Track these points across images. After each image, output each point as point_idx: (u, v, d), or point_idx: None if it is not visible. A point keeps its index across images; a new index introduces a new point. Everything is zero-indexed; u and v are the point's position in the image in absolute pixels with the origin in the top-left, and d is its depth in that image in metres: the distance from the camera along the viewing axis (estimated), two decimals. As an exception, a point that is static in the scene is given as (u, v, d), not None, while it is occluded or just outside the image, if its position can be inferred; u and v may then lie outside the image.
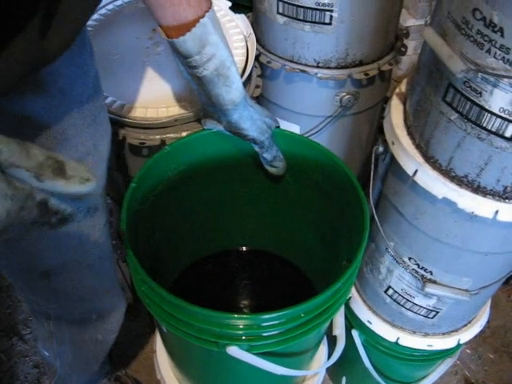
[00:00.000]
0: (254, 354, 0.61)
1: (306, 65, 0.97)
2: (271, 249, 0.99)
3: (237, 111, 0.72)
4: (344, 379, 1.21)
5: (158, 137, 0.81)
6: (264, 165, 0.81)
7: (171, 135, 0.81)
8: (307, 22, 0.90)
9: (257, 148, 0.78)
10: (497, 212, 0.65)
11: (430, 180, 0.68)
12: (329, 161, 0.75)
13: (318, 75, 0.96)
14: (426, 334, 0.97)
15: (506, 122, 0.57)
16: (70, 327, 0.96)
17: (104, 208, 0.78)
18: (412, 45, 1.60)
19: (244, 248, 1.00)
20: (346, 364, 1.14)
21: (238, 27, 0.97)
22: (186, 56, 0.66)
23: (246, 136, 0.75)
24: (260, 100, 1.04)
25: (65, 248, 0.76)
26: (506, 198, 0.64)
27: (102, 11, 1.00)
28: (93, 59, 0.68)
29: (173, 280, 0.94)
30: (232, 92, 0.70)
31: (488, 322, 1.03)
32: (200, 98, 0.75)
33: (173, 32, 0.65)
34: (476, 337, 1.02)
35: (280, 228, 0.93)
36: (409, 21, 1.60)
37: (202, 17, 0.64)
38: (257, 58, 0.99)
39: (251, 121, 0.74)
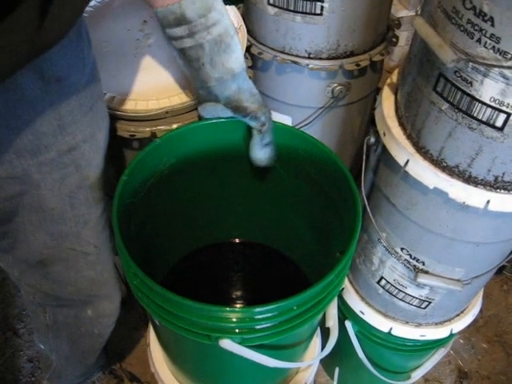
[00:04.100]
0: (246, 346, 0.61)
1: (297, 56, 0.96)
2: (264, 241, 0.99)
3: (235, 82, 0.71)
4: (337, 370, 1.21)
5: (148, 129, 0.80)
6: (253, 154, 0.78)
7: (162, 127, 0.81)
8: (298, 12, 0.89)
9: (256, 125, 0.74)
10: (488, 202, 0.65)
11: (422, 170, 0.68)
12: (321, 152, 0.75)
13: (310, 66, 0.96)
14: (419, 324, 0.97)
15: (497, 112, 0.57)
16: (67, 321, 0.96)
17: (101, 197, 0.78)
18: (404, 36, 1.60)
19: (237, 240, 1.00)
20: (340, 355, 1.14)
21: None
22: (191, 20, 0.65)
23: (246, 109, 0.73)
24: (252, 92, 1.04)
25: (59, 234, 0.76)
26: (497, 187, 0.65)
27: (93, 3, 0.99)
28: (90, 48, 0.68)
29: (166, 272, 0.94)
30: (232, 61, 0.69)
31: (481, 311, 1.03)
32: (194, 83, 0.74)
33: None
34: (469, 326, 1.03)
35: (273, 220, 0.93)
36: (401, 12, 1.59)
37: None
38: (248, 49, 0.98)
39: (250, 94, 0.73)
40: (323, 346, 0.81)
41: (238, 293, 0.99)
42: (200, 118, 0.78)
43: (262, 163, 0.79)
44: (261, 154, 0.78)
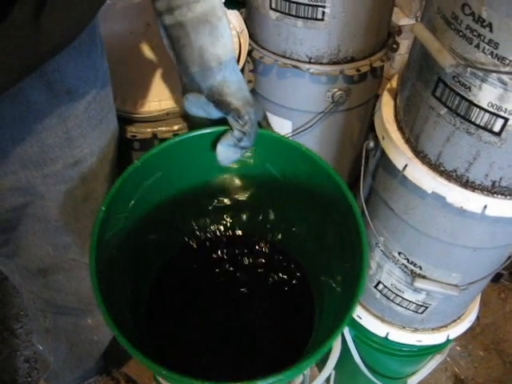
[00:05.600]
0: None
1: (298, 60, 0.97)
2: (266, 239, 0.97)
3: (221, 71, 0.61)
4: (333, 374, 1.21)
5: (149, 130, 0.81)
6: (221, 150, 0.67)
7: (163, 128, 0.81)
8: (300, 17, 0.90)
9: (237, 126, 0.64)
10: (485, 207, 0.65)
11: (420, 175, 0.68)
12: (322, 173, 0.69)
13: (310, 71, 0.96)
14: (416, 330, 0.97)
15: (495, 117, 0.57)
16: (66, 327, 0.96)
17: None
18: (405, 44, 1.60)
19: (235, 234, 0.97)
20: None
21: (230, 23, 0.97)
22: None
23: (229, 105, 0.62)
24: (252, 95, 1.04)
25: (62, 245, 0.76)
26: (495, 192, 0.65)
27: (95, 5, 1.00)
28: (103, 59, 0.66)
29: (159, 265, 0.92)
30: (219, 46, 0.60)
31: (478, 319, 1.04)
32: (178, 68, 0.65)
33: None
34: (466, 333, 1.03)
35: (274, 222, 0.92)
36: (402, 20, 1.60)
37: None
38: (249, 53, 0.99)
39: (237, 87, 0.63)
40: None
41: (233, 288, 0.96)
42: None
43: (223, 162, 0.69)
44: (229, 153, 0.67)
